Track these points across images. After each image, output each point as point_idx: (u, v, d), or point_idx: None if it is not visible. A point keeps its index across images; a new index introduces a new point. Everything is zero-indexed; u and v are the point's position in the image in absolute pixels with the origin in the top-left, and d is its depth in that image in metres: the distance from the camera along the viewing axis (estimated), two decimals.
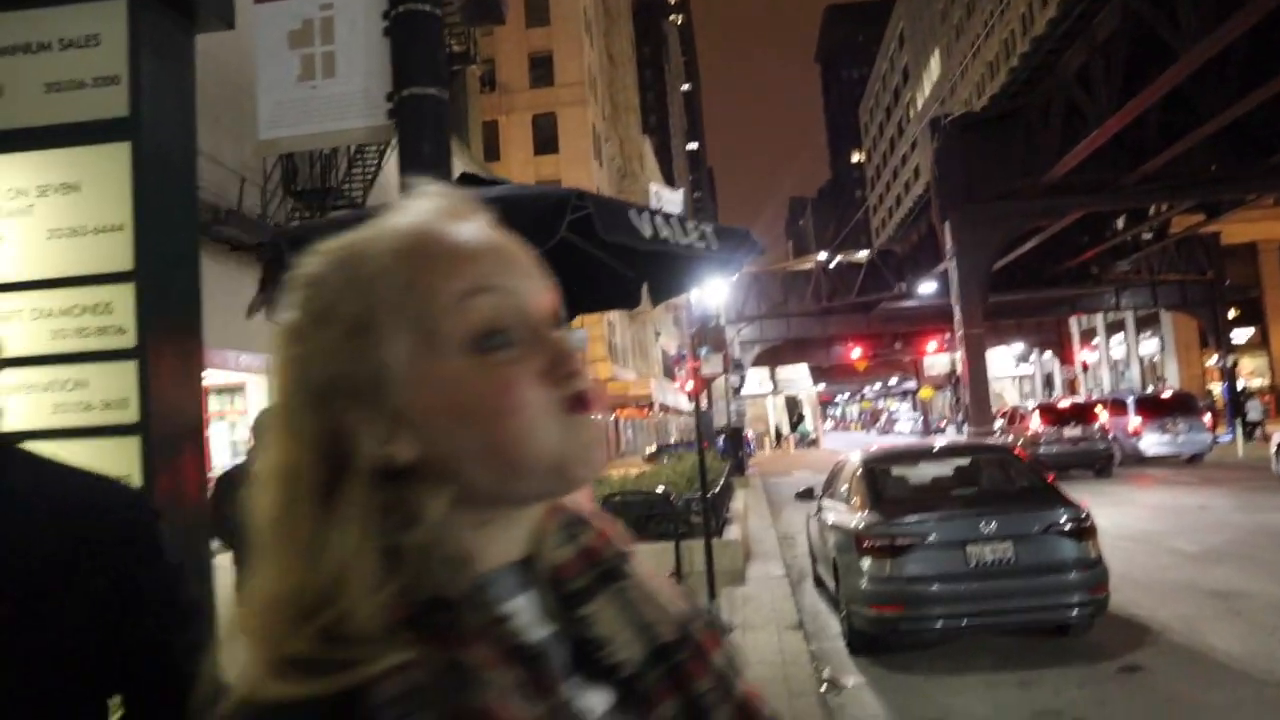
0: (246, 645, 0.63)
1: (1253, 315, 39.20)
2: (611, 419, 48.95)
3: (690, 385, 18.92)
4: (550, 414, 0.67)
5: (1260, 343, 39.82)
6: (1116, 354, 47.10)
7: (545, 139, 48.43)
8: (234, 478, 4.94)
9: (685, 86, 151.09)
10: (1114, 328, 46.37)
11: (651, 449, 33.35)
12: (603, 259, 4.00)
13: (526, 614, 0.70)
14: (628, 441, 54.30)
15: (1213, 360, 37.20)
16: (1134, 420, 22.79)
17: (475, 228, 0.71)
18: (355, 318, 0.66)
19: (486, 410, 0.65)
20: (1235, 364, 34.60)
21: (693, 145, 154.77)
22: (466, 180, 3.10)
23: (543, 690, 0.64)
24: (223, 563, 4.49)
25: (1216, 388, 36.23)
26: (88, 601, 1.15)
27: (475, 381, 0.66)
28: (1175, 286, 36.00)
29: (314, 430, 0.65)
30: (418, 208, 0.72)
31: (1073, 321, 47.24)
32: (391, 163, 20.53)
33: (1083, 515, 6.86)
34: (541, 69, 48.31)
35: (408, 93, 2.67)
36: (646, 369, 57.23)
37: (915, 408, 66.80)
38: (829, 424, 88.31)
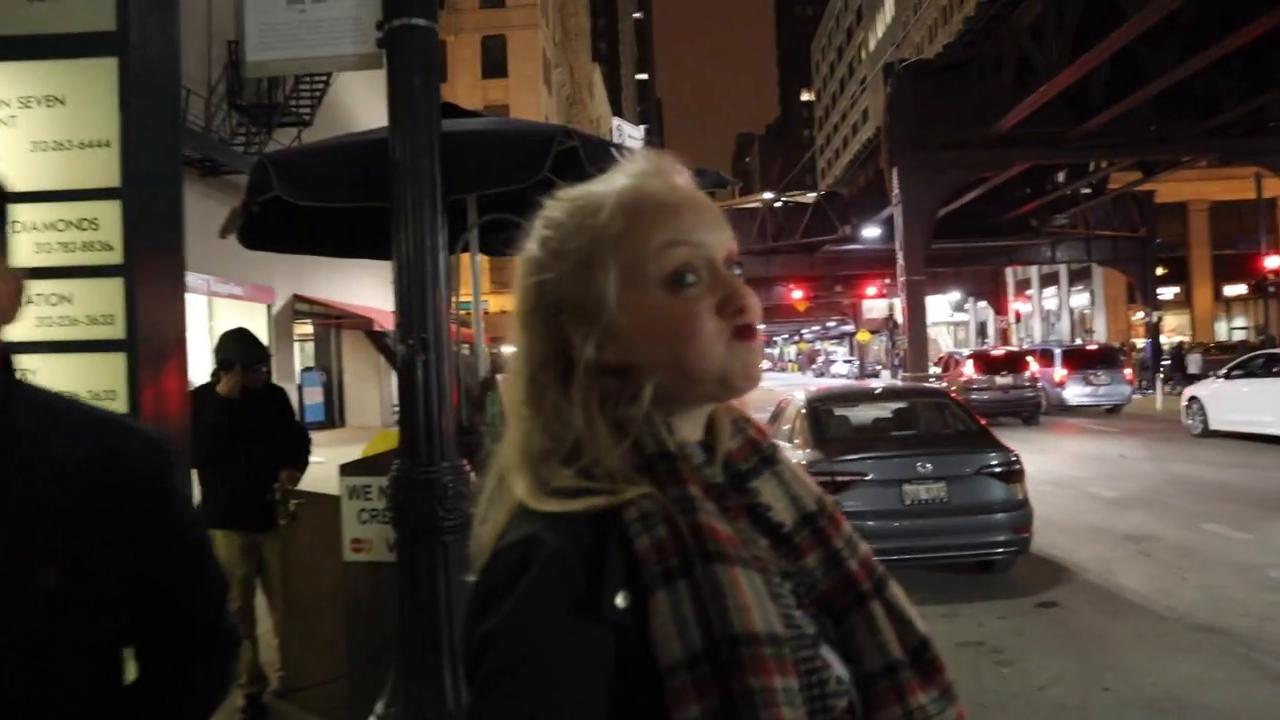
0: (520, 480, 0.87)
1: (1179, 274, 40.43)
2: None
3: None
4: (721, 339, 0.88)
5: (1184, 301, 41.17)
6: (1049, 305, 48.30)
7: (494, 62, 47.40)
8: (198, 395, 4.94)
9: (637, 14, 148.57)
10: (1048, 280, 47.45)
11: None
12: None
13: (712, 470, 0.91)
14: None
15: (1139, 316, 38.41)
16: (1059, 371, 23.57)
17: (678, 187, 0.92)
18: (581, 255, 0.89)
19: (673, 333, 0.87)
20: (1160, 320, 35.79)
21: (642, 76, 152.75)
22: (448, 110, 3.14)
23: (732, 517, 0.87)
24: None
25: (1140, 342, 37.50)
26: (104, 551, 1.14)
27: (666, 311, 0.87)
28: (1108, 242, 36.86)
29: (545, 336, 0.90)
30: (635, 167, 0.93)
31: (1008, 272, 48.20)
32: (340, 82, 20.03)
33: (1013, 459, 7.19)
34: None
35: (399, 22, 2.68)
36: None
37: (852, 351, 67.87)
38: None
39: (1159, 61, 19.48)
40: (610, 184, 0.91)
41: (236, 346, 4.78)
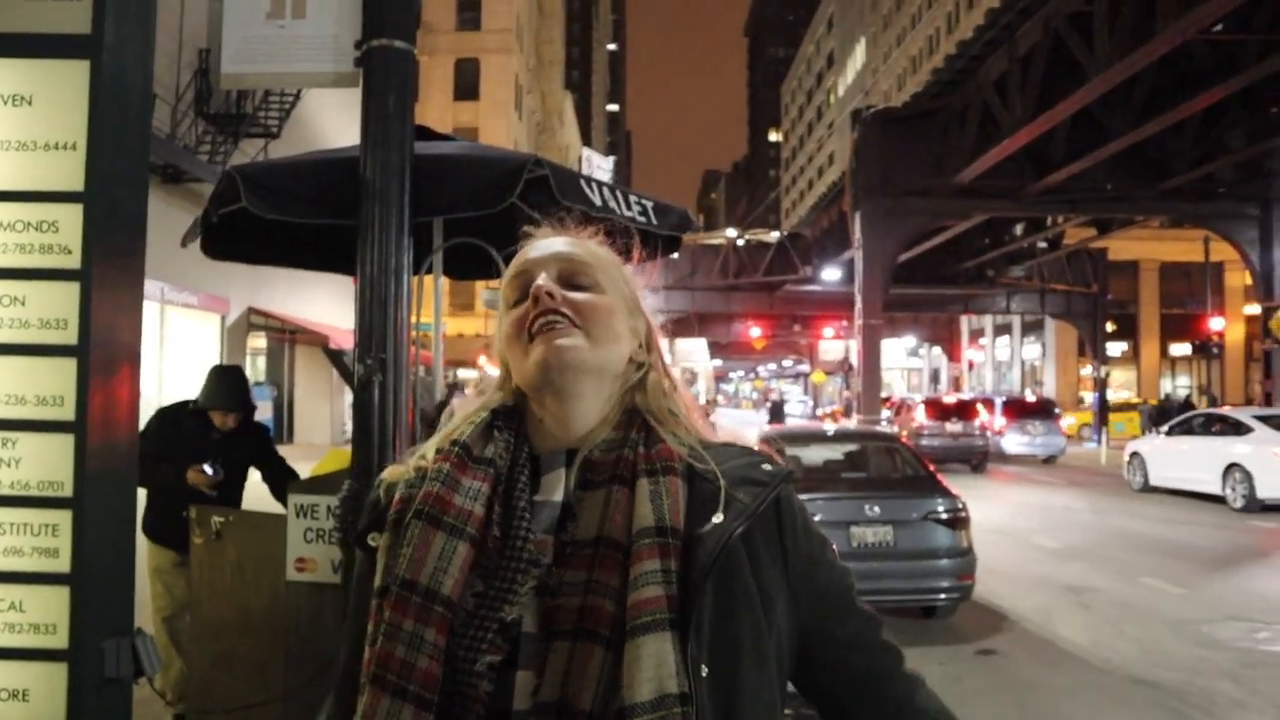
0: None
1: (1128, 330, 41.30)
2: None
3: None
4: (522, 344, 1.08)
5: (1132, 357, 42.03)
6: (1001, 355, 49.05)
7: (466, 84, 47.45)
8: (159, 415, 4.88)
9: (611, 46, 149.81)
10: (1001, 330, 48.23)
11: None
12: (541, 223, 4.09)
13: (548, 485, 1.07)
14: None
15: (1088, 370, 39.13)
16: (999, 420, 24.24)
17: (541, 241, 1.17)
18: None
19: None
20: (1108, 375, 36.49)
21: (613, 107, 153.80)
22: (420, 133, 3.15)
23: (503, 504, 1.03)
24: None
25: (1088, 396, 38.17)
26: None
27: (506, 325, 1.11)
28: (1062, 296, 37.58)
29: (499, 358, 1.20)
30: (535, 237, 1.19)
31: (964, 320, 48.92)
32: (310, 96, 19.90)
33: (959, 506, 7.28)
34: (469, 11, 47.24)
35: (377, 43, 2.69)
36: None
37: (806, 391, 68.33)
38: (720, 400, 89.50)
39: (1117, 123, 20.03)
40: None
41: (218, 390, 4.83)
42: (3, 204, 2.58)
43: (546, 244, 1.14)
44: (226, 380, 4.93)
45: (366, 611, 1.03)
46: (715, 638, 0.96)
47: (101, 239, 2.59)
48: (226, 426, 4.81)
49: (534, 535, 1.02)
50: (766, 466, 1.08)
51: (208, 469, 4.52)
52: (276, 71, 2.81)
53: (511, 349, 1.09)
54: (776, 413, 37.92)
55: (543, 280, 1.07)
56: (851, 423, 27.32)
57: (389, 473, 1.13)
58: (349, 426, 26.32)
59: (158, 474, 4.50)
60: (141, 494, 4.30)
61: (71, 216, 2.57)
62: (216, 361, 18.55)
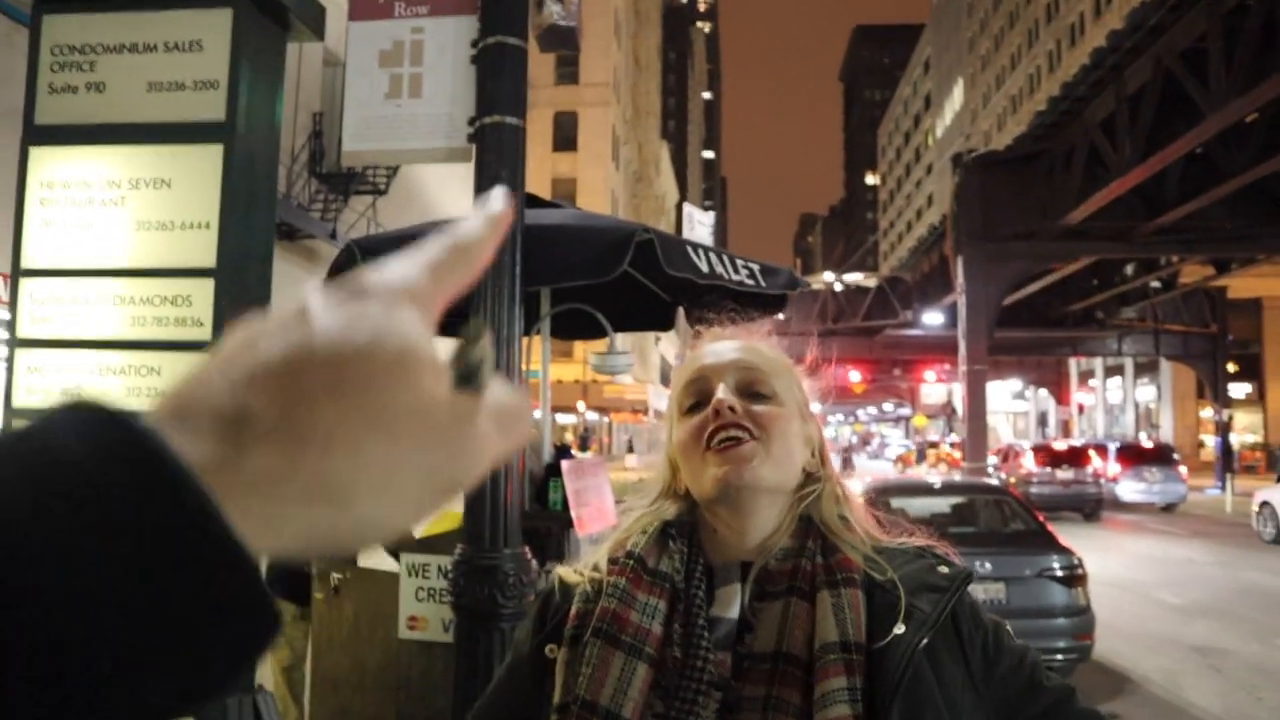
0: None
1: (1251, 371, 39.36)
2: (606, 422, 49.06)
3: None
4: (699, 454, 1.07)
5: (1257, 399, 39.98)
6: (1113, 398, 47.25)
7: (565, 137, 48.48)
8: None
9: (706, 94, 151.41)
10: (1112, 371, 46.51)
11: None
12: (646, 284, 4.14)
13: (723, 598, 1.06)
14: (621, 444, 54.33)
15: (1208, 413, 37.37)
16: (1113, 466, 23.24)
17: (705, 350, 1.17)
18: (669, 409, 1.17)
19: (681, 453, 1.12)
20: (1230, 418, 34.78)
21: (709, 154, 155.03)
22: (529, 200, 3.24)
23: (682, 622, 1.02)
24: None
25: (1210, 440, 36.41)
26: None
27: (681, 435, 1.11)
28: (1177, 337, 36.09)
29: (664, 458, 1.19)
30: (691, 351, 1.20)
31: (1072, 362, 47.36)
32: None
33: (1075, 562, 7.00)
34: (567, 67, 48.39)
35: (490, 120, 2.79)
36: (645, 374, 57.39)
37: (908, 435, 66.88)
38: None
39: (1235, 161, 19.27)
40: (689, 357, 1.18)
41: None
42: (143, 279, 2.75)
43: (722, 348, 1.14)
44: None
45: (506, 694, 1.10)
46: None
47: (230, 311, 2.74)
48: None
49: (714, 655, 1.00)
50: (944, 569, 1.06)
51: None
52: (393, 149, 2.94)
53: (688, 458, 1.08)
54: (845, 463, 35.63)
55: (723, 393, 1.07)
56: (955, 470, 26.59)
57: (565, 573, 1.13)
58: None
59: None
60: None
61: (203, 291, 2.72)
62: None
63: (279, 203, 14.07)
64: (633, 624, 1.01)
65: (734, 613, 1.04)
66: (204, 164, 2.75)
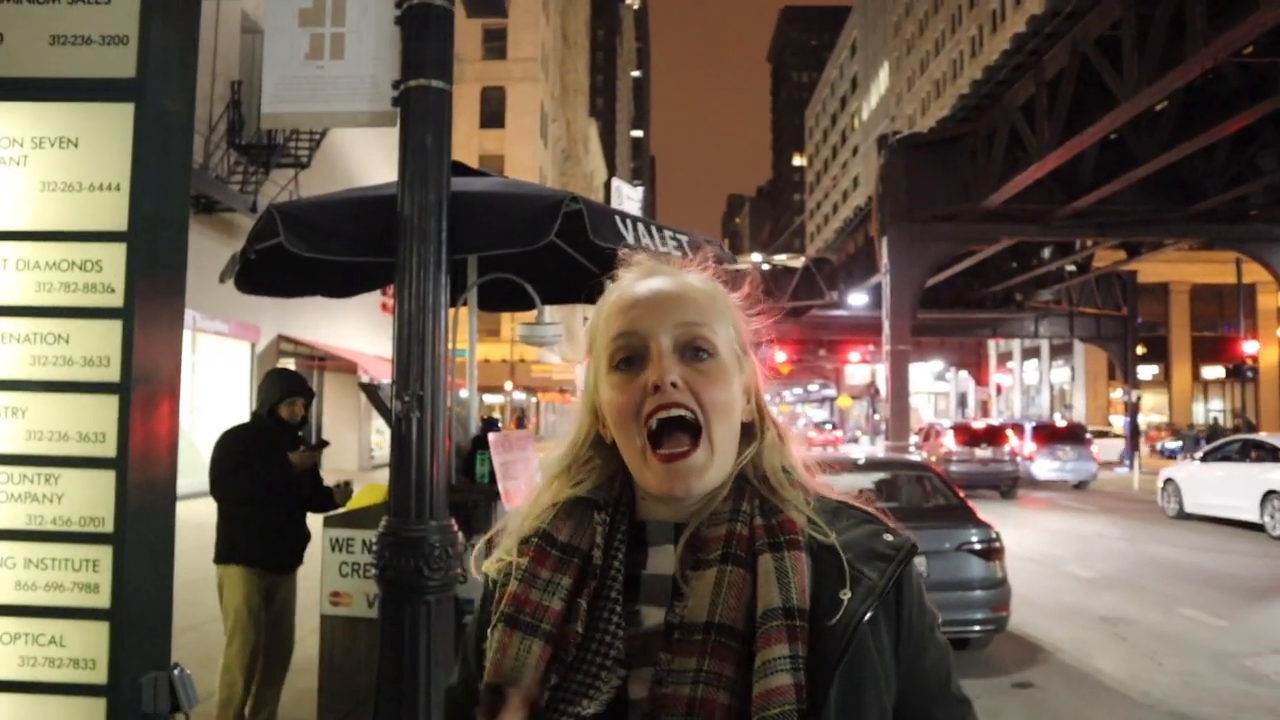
0: None
1: (1159, 353, 40.88)
2: (534, 402, 48.86)
3: None
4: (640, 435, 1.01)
5: (1163, 380, 41.56)
6: (1030, 379, 48.64)
7: (492, 113, 47.94)
8: (231, 433, 4.87)
9: (635, 73, 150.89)
10: (1029, 353, 47.85)
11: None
12: (574, 256, 4.11)
13: (656, 557, 1.03)
14: (549, 425, 54.20)
15: (1118, 393, 38.70)
16: (1029, 445, 23.98)
17: (644, 287, 1.06)
18: (589, 342, 1.09)
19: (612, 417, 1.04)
20: (1138, 399, 36.07)
21: (638, 133, 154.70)
22: (455, 169, 3.17)
23: (596, 597, 1.00)
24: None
25: (1118, 420, 37.75)
26: None
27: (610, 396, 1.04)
28: (1091, 319, 37.25)
29: (584, 408, 1.10)
30: (629, 274, 1.10)
31: (991, 344, 48.60)
32: (338, 128, 20.22)
33: (993, 536, 7.18)
34: (495, 41, 47.80)
35: (415, 83, 2.72)
36: (572, 354, 57.22)
37: (832, 415, 67.97)
38: None
39: (1147, 147, 19.89)
40: (614, 284, 1.10)
41: (282, 381, 4.94)
42: (49, 244, 2.62)
43: (656, 291, 1.05)
44: (286, 373, 5.10)
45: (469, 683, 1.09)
46: None
47: (144, 278, 2.63)
48: (297, 417, 4.87)
49: (622, 631, 0.98)
50: (889, 537, 1.02)
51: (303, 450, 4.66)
52: (315, 111, 2.84)
53: (623, 431, 1.02)
54: None
55: (665, 362, 1.00)
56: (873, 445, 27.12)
57: (488, 567, 1.10)
58: (376, 453, 26.51)
59: (254, 477, 4.52)
60: (195, 524, 4.33)
61: (115, 256, 2.60)
62: (245, 389, 18.77)
63: (196, 174, 13.74)
64: (531, 602, 0.99)
65: (668, 571, 1.00)
66: (113, 123, 2.62)
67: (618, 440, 1.03)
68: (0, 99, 2.63)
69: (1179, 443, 34.91)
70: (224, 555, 4.57)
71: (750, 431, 1.07)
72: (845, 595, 0.94)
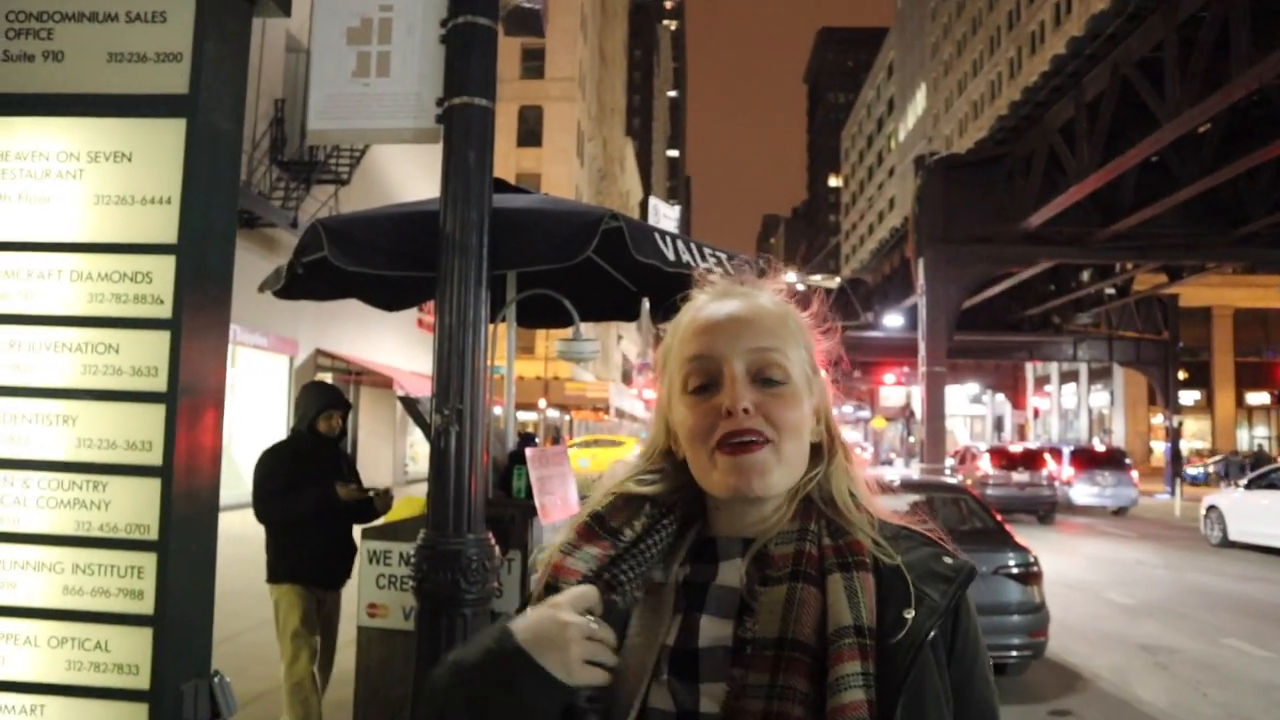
0: None
1: (1201, 378, 40.19)
2: (567, 419, 48.94)
3: (649, 394, 19.09)
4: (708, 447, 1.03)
5: (1205, 406, 40.83)
6: (1068, 403, 48.01)
7: (529, 131, 48.29)
8: (272, 453, 4.87)
9: (672, 93, 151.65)
10: (1067, 377, 47.25)
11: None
12: (611, 273, 4.13)
13: (726, 571, 1.04)
14: (579, 438, 54.17)
15: (1158, 419, 38.09)
16: (1067, 470, 23.64)
17: (722, 309, 1.08)
18: (661, 363, 1.12)
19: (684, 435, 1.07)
20: (1180, 424, 35.48)
21: (673, 153, 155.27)
22: (496, 185, 3.21)
23: (654, 598, 1.03)
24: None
25: (1159, 445, 37.14)
26: None
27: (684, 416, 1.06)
28: (1131, 343, 36.75)
29: (658, 419, 1.13)
30: (705, 295, 1.12)
31: (1028, 367, 48.04)
32: (379, 145, 20.47)
33: (1031, 560, 7.09)
34: (533, 61, 48.22)
35: (459, 100, 2.76)
36: (606, 373, 57.28)
37: (866, 437, 67.48)
38: None
39: (1189, 170, 19.64)
40: (688, 305, 1.12)
41: (320, 395, 4.97)
42: (102, 255, 2.68)
43: (729, 317, 1.06)
44: (322, 386, 5.14)
45: None
46: None
47: (192, 290, 2.68)
48: (335, 430, 4.90)
49: (640, 589, 1.04)
50: (949, 560, 1.04)
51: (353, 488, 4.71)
52: (361, 128, 2.89)
53: (694, 449, 1.04)
54: None
55: (739, 388, 1.02)
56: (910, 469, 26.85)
57: (544, 556, 1.13)
58: (411, 466, 26.66)
59: (302, 504, 4.55)
60: (234, 536, 4.38)
61: (164, 268, 2.65)
62: (283, 402, 18.99)
63: (240, 191, 13.97)
64: (565, 568, 1.04)
65: (736, 584, 1.02)
66: (166, 138, 2.68)
67: (689, 457, 1.06)
68: (59, 114, 2.71)
69: (1201, 469, 34.20)
70: (278, 574, 4.62)
71: (819, 452, 1.09)
72: (909, 614, 0.97)
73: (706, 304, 1.09)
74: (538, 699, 0.93)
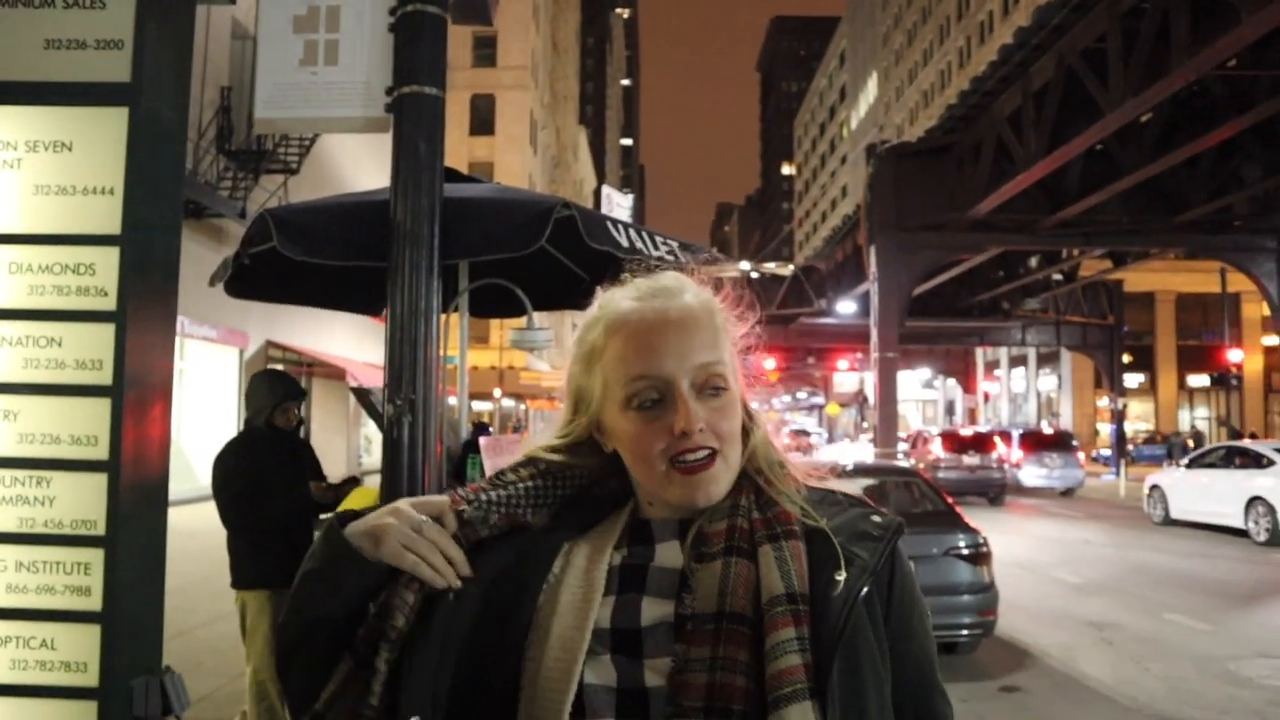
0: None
1: (1145, 362, 41.09)
2: (522, 409, 48.77)
3: None
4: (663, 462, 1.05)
5: (1149, 389, 41.77)
6: (1017, 387, 48.84)
7: (482, 120, 47.94)
8: (233, 452, 4.70)
9: (625, 81, 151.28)
10: (1016, 361, 48.05)
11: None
12: (564, 262, 4.13)
13: (664, 553, 1.07)
14: (538, 432, 53.92)
15: (1104, 401, 38.91)
16: (1016, 453, 24.11)
17: (660, 314, 1.07)
18: (583, 358, 1.13)
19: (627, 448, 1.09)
20: (1125, 406, 36.28)
21: (627, 141, 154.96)
22: (447, 174, 3.19)
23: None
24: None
25: (1105, 427, 37.95)
26: None
27: (624, 430, 1.07)
28: (1078, 328, 37.47)
29: (568, 408, 1.16)
30: (636, 290, 1.11)
31: (979, 352, 48.77)
32: (328, 134, 20.18)
33: (980, 541, 7.23)
34: (485, 49, 47.83)
35: (408, 90, 2.73)
36: (561, 361, 56.86)
37: (820, 423, 68.11)
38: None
39: (1132, 157, 20.06)
40: (613, 302, 1.11)
41: (275, 385, 4.81)
42: (42, 247, 2.63)
43: (668, 328, 1.06)
44: (275, 376, 4.96)
45: None
46: (847, 699, 0.96)
47: (136, 281, 2.63)
48: (292, 423, 4.76)
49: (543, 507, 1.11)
50: (876, 519, 1.07)
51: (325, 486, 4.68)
52: (309, 116, 2.85)
53: (643, 464, 1.06)
54: None
55: (691, 406, 1.03)
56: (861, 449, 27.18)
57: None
58: (364, 459, 26.41)
59: (278, 507, 4.43)
60: (183, 530, 4.31)
61: (108, 259, 2.61)
62: (234, 395, 18.71)
63: (185, 180, 13.71)
64: (478, 487, 1.13)
65: (675, 564, 1.05)
66: (107, 127, 2.63)
67: (633, 468, 1.08)
68: None
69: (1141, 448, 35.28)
70: (247, 580, 4.45)
71: (746, 436, 1.11)
72: (840, 576, 0.99)
73: (635, 308, 1.08)
74: (345, 575, 1.02)
